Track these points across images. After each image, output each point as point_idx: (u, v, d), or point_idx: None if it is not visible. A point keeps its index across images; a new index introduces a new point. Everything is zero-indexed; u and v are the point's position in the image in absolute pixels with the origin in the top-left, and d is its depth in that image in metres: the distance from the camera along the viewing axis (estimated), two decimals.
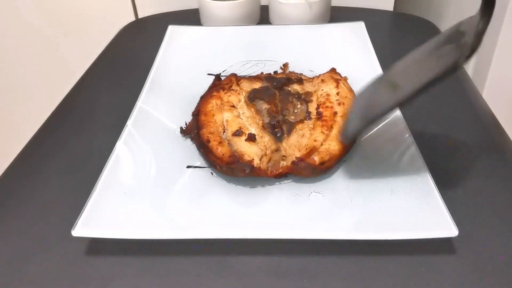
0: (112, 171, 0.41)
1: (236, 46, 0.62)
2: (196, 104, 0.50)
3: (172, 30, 0.64)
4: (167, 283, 0.35)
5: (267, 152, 0.43)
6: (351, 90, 0.50)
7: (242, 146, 0.42)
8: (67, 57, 0.85)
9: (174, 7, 0.78)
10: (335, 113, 0.46)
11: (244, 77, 0.53)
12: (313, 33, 0.64)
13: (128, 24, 0.77)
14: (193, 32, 0.65)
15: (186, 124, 0.48)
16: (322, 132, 0.44)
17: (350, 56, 0.58)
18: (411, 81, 0.36)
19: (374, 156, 0.44)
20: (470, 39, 0.34)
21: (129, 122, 0.47)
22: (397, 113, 0.47)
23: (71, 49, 0.84)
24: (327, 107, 0.47)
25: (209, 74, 0.57)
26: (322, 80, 0.51)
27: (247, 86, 0.51)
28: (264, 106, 0.48)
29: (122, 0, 0.79)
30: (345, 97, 0.48)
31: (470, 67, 0.70)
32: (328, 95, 0.48)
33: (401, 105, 0.36)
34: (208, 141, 0.43)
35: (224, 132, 0.45)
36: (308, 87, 0.51)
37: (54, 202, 0.42)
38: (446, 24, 0.75)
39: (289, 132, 0.45)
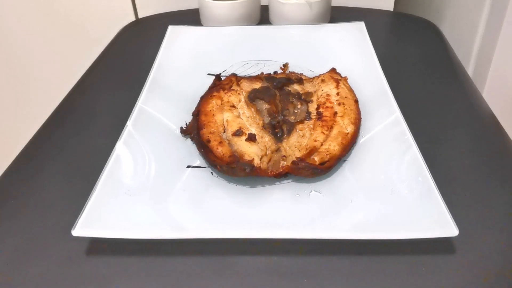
0: (112, 171, 0.41)
1: (236, 46, 0.62)
2: (196, 104, 0.50)
3: (172, 30, 0.64)
4: (167, 283, 0.35)
5: (267, 152, 0.43)
6: (351, 90, 0.50)
7: (242, 146, 0.42)
8: (67, 57, 0.85)
9: (174, 7, 0.78)
10: (335, 113, 0.46)
11: (244, 77, 0.53)
12: (313, 33, 0.64)
13: (128, 24, 0.77)
14: (193, 32, 0.65)
15: (186, 124, 0.48)
16: (322, 132, 0.44)
17: (350, 56, 0.58)
18: None
19: (374, 156, 0.44)
20: None
21: (129, 122, 0.47)
22: (397, 113, 0.47)
23: (71, 49, 0.84)
24: (327, 107, 0.47)
25: (209, 74, 0.57)
26: (322, 80, 0.51)
27: (247, 86, 0.51)
28: (264, 106, 0.48)
29: (122, 0, 0.79)
30: (345, 97, 0.48)
31: (470, 67, 0.70)
32: (328, 95, 0.48)
33: None
34: (209, 141, 0.43)
35: (224, 132, 0.45)
36: (308, 87, 0.51)
37: (54, 202, 0.42)
38: (446, 24, 0.75)
39: (289, 132, 0.45)
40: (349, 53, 0.59)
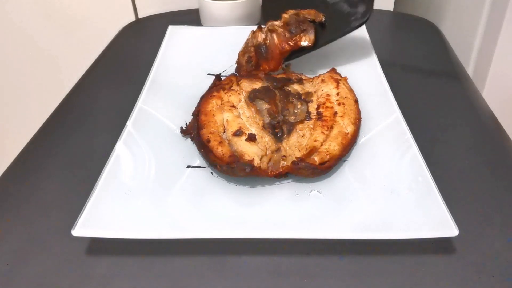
0: (112, 171, 0.41)
1: (236, 46, 0.62)
2: (196, 104, 0.50)
3: (172, 30, 0.64)
4: (167, 283, 0.35)
5: (267, 152, 0.43)
6: (351, 90, 0.50)
7: (242, 146, 0.42)
8: (67, 57, 0.85)
9: (174, 7, 0.78)
10: (335, 113, 0.46)
11: (244, 77, 0.53)
12: None
13: (128, 24, 0.77)
14: (193, 32, 0.65)
15: (186, 124, 0.48)
16: (322, 132, 0.44)
17: (350, 56, 0.58)
18: None
19: (374, 156, 0.44)
20: None
21: (129, 122, 0.47)
22: (397, 113, 0.47)
23: (71, 49, 0.84)
24: (327, 107, 0.47)
25: (209, 74, 0.57)
26: (322, 80, 0.51)
27: (247, 86, 0.51)
28: (265, 106, 0.47)
29: (122, 0, 0.79)
30: (345, 97, 0.48)
31: (470, 67, 0.70)
32: (328, 95, 0.48)
33: None
34: (208, 141, 0.43)
35: (224, 132, 0.45)
36: (308, 87, 0.51)
37: (54, 202, 0.42)
38: (446, 24, 0.75)
39: (289, 132, 0.45)
40: (349, 53, 0.59)
